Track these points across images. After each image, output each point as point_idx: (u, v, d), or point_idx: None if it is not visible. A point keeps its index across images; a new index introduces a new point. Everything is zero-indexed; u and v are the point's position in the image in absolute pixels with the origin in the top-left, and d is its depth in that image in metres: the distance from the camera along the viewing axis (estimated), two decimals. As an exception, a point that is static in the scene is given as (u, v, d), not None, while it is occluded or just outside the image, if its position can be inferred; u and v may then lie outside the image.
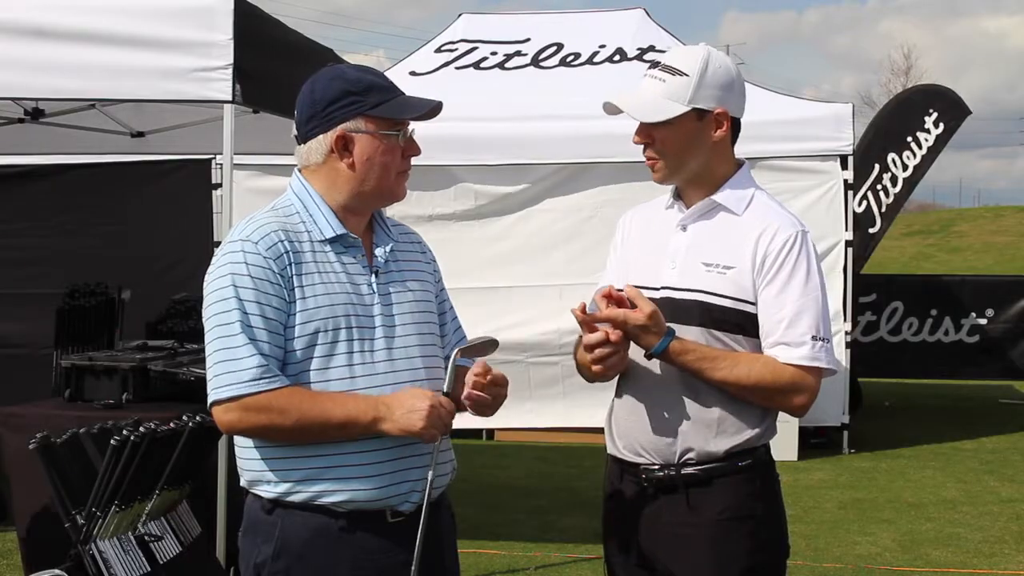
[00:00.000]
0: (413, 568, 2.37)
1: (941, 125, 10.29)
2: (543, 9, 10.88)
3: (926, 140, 10.25)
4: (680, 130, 2.61)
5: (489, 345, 2.51)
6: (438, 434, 2.38)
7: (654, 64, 2.67)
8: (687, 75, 2.60)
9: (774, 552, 2.69)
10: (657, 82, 2.62)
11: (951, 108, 10.47)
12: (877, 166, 10.05)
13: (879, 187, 10.06)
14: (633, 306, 2.54)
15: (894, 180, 10.14)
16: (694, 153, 2.64)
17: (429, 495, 2.41)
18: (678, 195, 2.74)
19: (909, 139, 10.21)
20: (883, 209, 10.12)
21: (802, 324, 2.55)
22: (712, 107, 2.62)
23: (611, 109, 2.70)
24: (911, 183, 10.29)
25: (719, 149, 2.67)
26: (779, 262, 2.57)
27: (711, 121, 2.63)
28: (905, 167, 10.17)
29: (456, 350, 2.46)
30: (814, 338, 2.55)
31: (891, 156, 10.14)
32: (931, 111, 10.34)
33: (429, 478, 2.42)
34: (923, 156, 10.23)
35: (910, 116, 10.39)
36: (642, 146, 2.69)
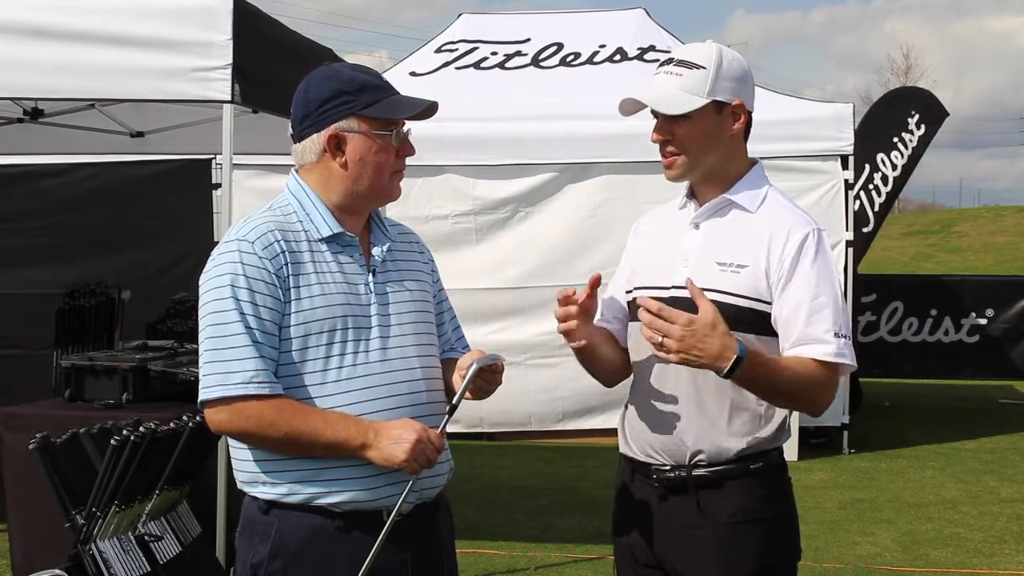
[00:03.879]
0: (363, 569, 2.35)
1: (923, 127, 10.40)
2: (543, 9, 10.89)
3: (910, 141, 10.34)
4: (700, 124, 2.59)
5: (500, 361, 2.54)
6: (420, 467, 2.37)
7: (667, 61, 2.65)
8: (704, 68, 2.58)
9: (785, 556, 2.68)
10: (674, 77, 2.60)
11: (930, 110, 10.58)
12: (868, 166, 10.09)
13: (871, 186, 10.11)
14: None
15: (885, 179, 10.21)
16: (713, 148, 2.62)
17: (404, 499, 2.39)
18: (691, 194, 2.73)
19: (895, 139, 10.28)
20: (876, 208, 10.18)
21: (825, 322, 2.53)
22: (730, 99, 2.61)
23: (629, 107, 2.67)
24: (900, 183, 10.40)
25: (734, 144, 2.66)
26: (797, 262, 2.55)
27: (729, 114, 2.62)
28: (894, 167, 10.25)
29: (476, 366, 2.45)
30: (836, 335, 2.53)
31: (880, 156, 10.20)
32: (913, 112, 10.44)
33: (408, 486, 2.39)
34: (909, 156, 10.33)
35: (895, 117, 10.46)
36: (659, 144, 2.65)
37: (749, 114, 2.66)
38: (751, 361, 2.43)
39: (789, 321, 2.55)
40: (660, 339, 2.41)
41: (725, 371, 2.42)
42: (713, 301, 2.50)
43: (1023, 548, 6.34)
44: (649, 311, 2.42)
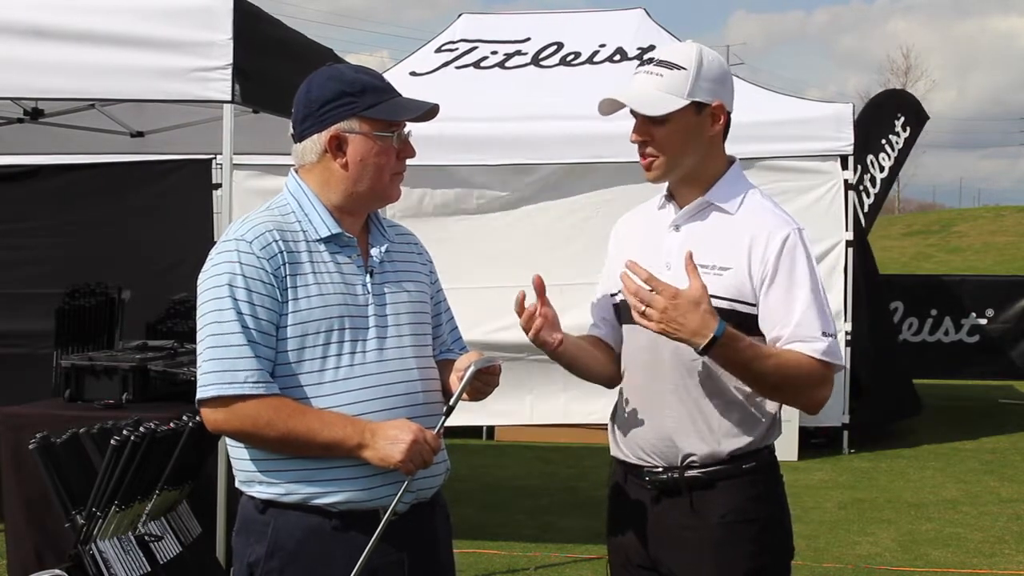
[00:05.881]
0: (356, 569, 2.35)
1: (908, 129, 10.47)
2: (543, 9, 10.90)
3: (896, 143, 10.39)
4: (679, 125, 2.59)
5: (497, 363, 2.54)
6: (416, 468, 2.37)
7: (647, 60, 2.64)
8: (684, 68, 2.57)
9: (778, 555, 2.68)
10: (654, 77, 2.59)
11: (914, 114, 10.65)
12: (859, 167, 10.13)
13: (862, 188, 10.13)
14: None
15: (873, 181, 10.24)
16: (692, 149, 2.62)
17: (399, 499, 2.39)
18: (670, 195, 2.73)
19: (883, 141, 10.34)
20: (866, 209, 10.20)
21: (812, 322, 2.53)
22: (710, 100, 2.60)
23: (608, 107, 2.67)
24: (888, 184, 10.46)
25: (713, 145, 2.65)
26: (779, 265, 2.55)
27: (708, 115, 2.61)
28: (882, 168, 10.29)
29: (473, 368, 2.44)
30: (824, 334, 2.54)
31: (870, 157, 10.23)
32: (899, 115, 10.49)
33: (403, 486, 2.39)
34: (895, 158, 10.39)
35: (882, 119, 10.50)
36: (638, 145, 2.65)
37: (728, 115, 2.65)
38: (729, 342, 2.44)
39: (775, 322, 2.55)
40: (643, 308, 2.43)
41: (701, 347, 2.44)
42: None
43: (1023, 548, 6.35)
44: (638, 278, 2.44)
